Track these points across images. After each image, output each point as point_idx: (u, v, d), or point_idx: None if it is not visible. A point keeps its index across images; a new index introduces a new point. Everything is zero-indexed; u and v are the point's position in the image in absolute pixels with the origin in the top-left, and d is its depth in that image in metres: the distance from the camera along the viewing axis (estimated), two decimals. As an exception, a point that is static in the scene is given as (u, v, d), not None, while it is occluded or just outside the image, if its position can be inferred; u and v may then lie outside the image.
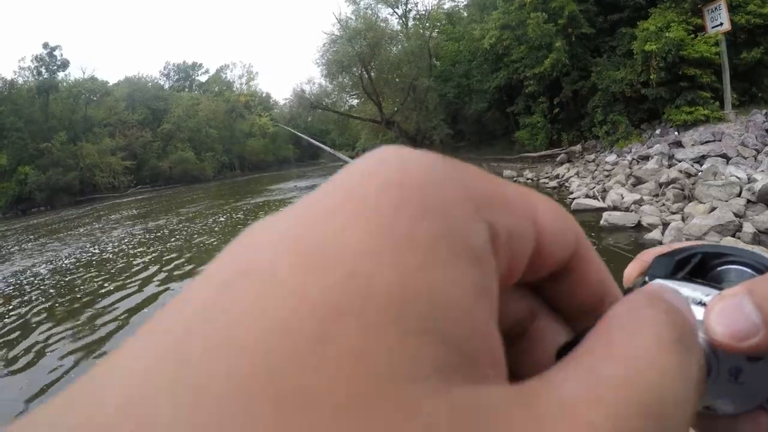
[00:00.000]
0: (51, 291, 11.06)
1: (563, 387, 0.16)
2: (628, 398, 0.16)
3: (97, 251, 15.67)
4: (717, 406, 0.32)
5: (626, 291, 0.39)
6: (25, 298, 10.75)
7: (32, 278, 13.03)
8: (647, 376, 0.17)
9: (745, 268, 0.37)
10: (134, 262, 12.67)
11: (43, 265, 14.66)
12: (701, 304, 0.29)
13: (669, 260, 0.37)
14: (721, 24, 14.68)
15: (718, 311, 0.28)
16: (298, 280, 0.15)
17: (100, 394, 0.14)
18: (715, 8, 14.78)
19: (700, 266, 0.37)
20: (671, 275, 0.35)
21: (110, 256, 14.45)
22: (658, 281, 0.33)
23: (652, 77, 16.09)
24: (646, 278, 0.37)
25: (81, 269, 13.11)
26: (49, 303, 9.85)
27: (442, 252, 0.16)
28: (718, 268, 0.37)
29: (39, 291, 11.34)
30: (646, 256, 0.41)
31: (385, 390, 0.13)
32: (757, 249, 0.36)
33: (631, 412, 0.16)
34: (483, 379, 0.15)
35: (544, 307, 0.27)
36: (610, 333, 0.19)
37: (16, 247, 20.49)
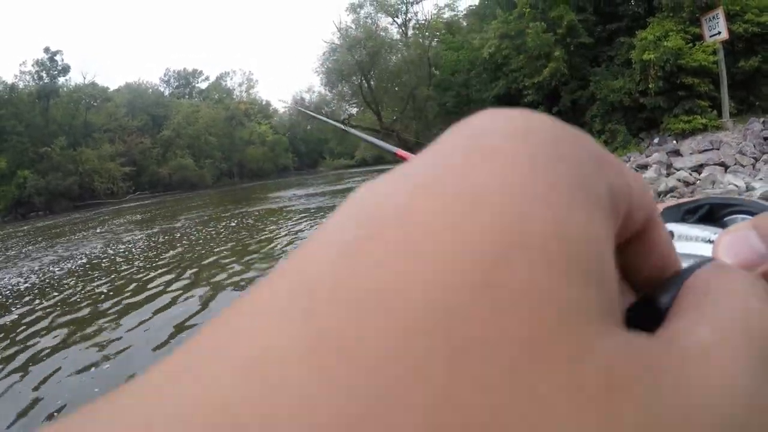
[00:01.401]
0: (66, 290, 11.05)
1: (695, 333, 0.16)
2: (753, 341, 0.16)
3: (107, 255, 15.64)
4: None
5: None
6: (39, 297, 10.75)
7: (47, 278, 13.09)
8: (762, 322, 0.17)
9: (750, 216, 0.36)
10: (148, 267, 12.61)
11: (54, 267, 14.68)
12: (710, 242, 0.31)
13: (677, 210, 0.38)
14: (719, 33, 14.74)
15: (725, 243, 0.28)
16: (452, 220, 0.14)
17: (234, 345, 0.13)
18: (713, 17, 14.84)
19: (709, 215, 0.38)
20: (681, 220, 0.36)
21: (120, 259, 14.40)
22: (670, 224, 0.34)
23: (650, 86, 16.14)
24: None
25: (91, 273, 13.09)
26: (65, 301, 9.86)
27: (582, 198, 0.16)
28: (726, 218, 0.37)
29: (54, 290, 11.37)
30: None
31: (561, 333, 0.13)
32: (761, 200, 0.36)
33: (759, 352, 0.16)
34: (621, 325, 0.15)
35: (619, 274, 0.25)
36: (707, 293, 0.19)
37: (26, 249, 20.56)
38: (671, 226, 0.31)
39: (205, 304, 8.57)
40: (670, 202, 0.38)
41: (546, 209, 0.15)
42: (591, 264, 0.15)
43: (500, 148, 0.16)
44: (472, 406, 0.11)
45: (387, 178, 0.18)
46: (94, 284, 11.47)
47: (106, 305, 9.42)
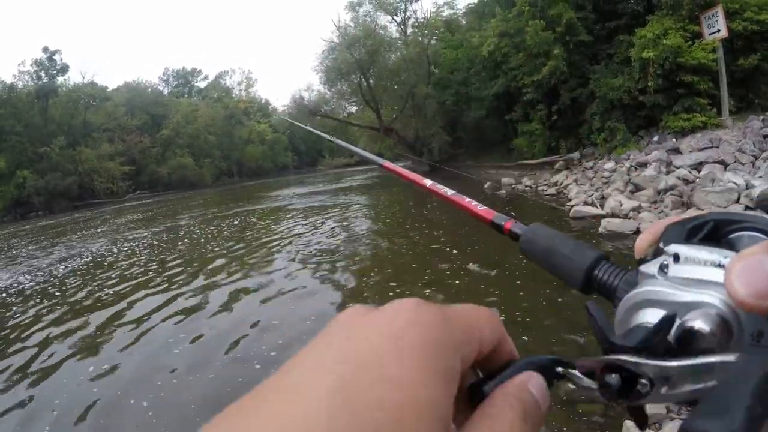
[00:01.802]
0: (73, 288, 11.11)
1: None
2: None
3: (112, 253, 15.77)
4: None
5: (639, 262, 0.41)
6: (47, 294, 10.80)
7: (53, 276, 13.19)
8: None
9: (758, 234, 0.37)
10: (155, 265, 12.65)
11: (61, 264, 14.76)
12: (720, 266, 0.32)
13: (681, 227, 0.38)
14: (718, 31, 14.73)
15: (738, 270, 0.29)
16: (346, 390, 0.24)
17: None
18: (712, 15, 14.83)
19: (713, 233, 0.38)
20: (685, 241, 0.36)
21: (126, 257, 14.50)
22: (674, 246, 0.34)
23: (649, 84, 16.13)
24: (661, 244, 0.38)
25: (96, 270, 13.15)
26: (74, 298, 9.89)
27: (445, 380, 0.26)
28: (731, 235, 0.37)
29: (61, 287, 11.47)
30: (657, 227, 0.42)
31: None
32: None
33: None
34: None
35: (472, 369, 0.36)
36: (489, 414, 0.31)
37: (31, 247, 20.66)
38: (676, 248, 0.32)
39: (212, 301, 8.64)
40: (674, 217, 0.39)
41: (414, 388, 0.25)
42: (445, 420, 0.25)
43: (404, 340, 0.27)
44: None
45: (344, 327, 0.29)
46: (102, 281, 11.61)
47: (114, 301, 9.50)
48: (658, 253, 0.39)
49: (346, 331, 0.29)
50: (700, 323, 0.31)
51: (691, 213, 0.40)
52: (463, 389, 0.33)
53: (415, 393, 0.24)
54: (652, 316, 0.34)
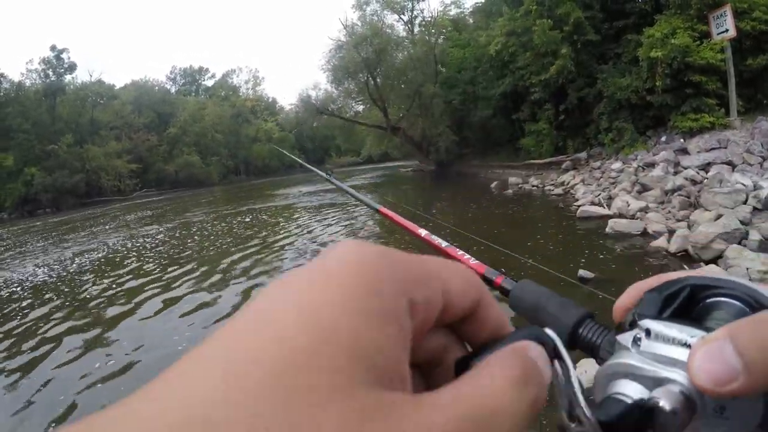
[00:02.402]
0: (88, 283, 11.25)
1: (427, 411, 0.23)
2: (463, 428, 0.23)
3: (125, 249, 15.98)
4: None
5: (617, 326, 0.43)
6: (64, 288, 10.90)
7: (69, 270, 13.39)
8: (483, 411, 0.24)
9: (734, 301, 0.38)
10: (168, 260, 12.75)
11: (76, 259, 14.91)
12: (687, 345, 0.33)
13: (657, 297, 0.38)
14: (727, 30, 14.66)
15: (700, 357, 0.30)
16: (290, 326, 0.23)
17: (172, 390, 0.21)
18: (721, 15, 14.75)
19: (690, 299, 0.39)
20: (659, 314, 0.37)
21: (140, 253, 14.64)
22: (647, 321, 0.36)
23: (657, 84, 16.06)
24: (636, 316, 0.39)
25: (111, 265, 13.31)
26: (90, 293, 9.96)
27: (377, 316, 0.25)
28: (707, 300, 0.39)
29: (77, 282, 11.65)
30: (635, 291, 0.43)
31: (311, 397, 0.21)
32: (745, 280, 0.37)
33: None
34: (390, 387, 0.23)
35: (458, 343, 0.35)
36: (478, 373, 0.27)
37: (43, 243, 20.87)
38: (648, 323, 0.33)
39: (225, 295, 8.73)
40: (652, 280, 0.40)
41: (349, 326, 0.23)
42: (363, 351, 0.23)
43: (340, 279, 0.26)
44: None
45: (278, 287, 0.26)
46: (116, 276, 11.74)
47: (130, 295, 9.63)
48: (633, 323, 0.39)
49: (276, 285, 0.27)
50: (663, 401, 0.32)
51: (669, 276, 0.41)
52: (447, 364, 0.33)
53: (329, 324, 0.23)
54: (625, 388, 0.35)
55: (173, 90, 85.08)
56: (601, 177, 15.97)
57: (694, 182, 11.36)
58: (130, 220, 26.89)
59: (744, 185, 9.86)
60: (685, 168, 12.54)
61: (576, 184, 16.55)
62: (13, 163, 48.16)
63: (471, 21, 37.37)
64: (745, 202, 9.14)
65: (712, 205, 9.36)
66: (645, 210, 10.77)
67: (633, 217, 10.56)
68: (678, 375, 0.33)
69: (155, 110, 68.87)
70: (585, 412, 0.30)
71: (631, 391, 0.34)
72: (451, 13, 39.28)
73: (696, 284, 0.39)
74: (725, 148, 12.98)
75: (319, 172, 2.33)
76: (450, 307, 0.31)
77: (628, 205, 11.22)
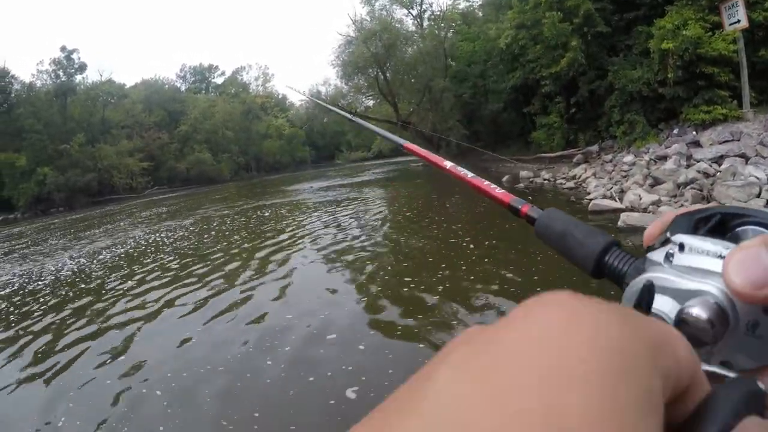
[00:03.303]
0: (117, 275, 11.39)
1: None
2: None
3: (148, 243, 16.24)
4: (735, 361, 0.33)
5: (647, 249, 0.43)
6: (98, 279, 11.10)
7: (94, 264, 13.54)
8: None
9: (761, 228, 0.39)
10: (193, 253, 12.87)
11: (103, 252, 15.07)
12: (721, 257, 0.33)
13: (689, 219, 0.39)
14: (739, 21, 14.51)
15: (736, 261, 0.30)
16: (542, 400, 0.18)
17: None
18: (732, 5, 14.60)
19: (720, 226, 0.40)
20: (692, 232, 0.38)
21: (161, 247, 14.88)
22: (680, 236, 0.36)
23: (669, 76, 15.94)
24: (668, 234, 0.39)
25: (142, 257, 13.52)
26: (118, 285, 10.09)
27: (642, 410, 0.19)
28: (737, 228, 0.39)
29: (105, 274, 11.78)
30: (667, 217, 0.44)
31: None
32: None
33: None
34: None
35: None
36: None
37: (64, 240, 21.14)
38: (682, 238, 0.34)
39: (253, 289, 8.72)
40: (683, 209, 0.41)
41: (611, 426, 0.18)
42: None
43: (588, 367, 0.20)
44: None
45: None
46: (146, 268, 11.89)
47: (163, 284, 9.72)
48: (665, 242, 0.39)
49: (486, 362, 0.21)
50: (698, 310, 0.32)
51: (698, 206, 0.42)
52: None
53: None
54: (656, 302, 0.35)
55: (183, 88, 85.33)
56: (612, 170, 15.89)
57: (706, 175, 11.30)
58: (146, 216, 27.22)
59: (758, 178, 9.81)
60: (698, 161, 12.47)
61: (587, 178, 16.46)
62: (26, 163, 48.55)
63: (480, 14, 37.26)
64: (758, 195, 9.09)
65: (725, 199, 9.32)
66: (657, 203, 10.72)
67: (645, 210, 10.51)
68: (712, 286, 0.33)
69: (166, 108, 69.13)
70: None
71: (662, 305, 0.34)
72: (460, 6, 39.27)
73: (726, 212, 0.40)
74: (738, 140, 12.89)
75: (343, 113, 2.28)
76: (677, 385, 0.24)
77: (641, 199, 11.16)
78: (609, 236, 0.49)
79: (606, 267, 0.47)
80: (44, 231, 27.48)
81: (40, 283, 12.16)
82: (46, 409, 5.23)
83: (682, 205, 10.31)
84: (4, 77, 50.32)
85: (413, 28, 40.30)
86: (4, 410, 5.45)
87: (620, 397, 0.19)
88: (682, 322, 0.32)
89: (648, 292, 0.35)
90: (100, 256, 14.83)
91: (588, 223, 0.54)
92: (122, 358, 6.34)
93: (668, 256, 0.37)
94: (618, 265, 0.46)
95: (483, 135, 33.05)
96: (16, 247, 21.44)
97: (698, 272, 0.34)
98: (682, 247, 0.36)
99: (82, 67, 58.20)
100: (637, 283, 0.38)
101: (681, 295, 0.34)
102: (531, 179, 19.63)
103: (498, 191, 0.75)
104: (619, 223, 9.73)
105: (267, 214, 19.90)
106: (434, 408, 0.19)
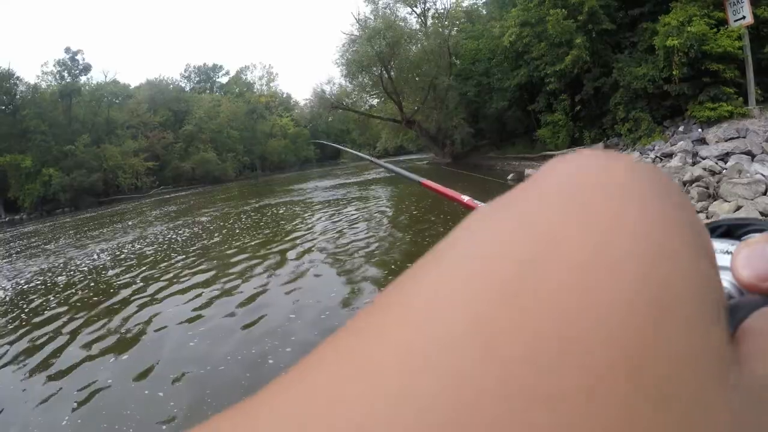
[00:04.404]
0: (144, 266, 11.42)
1: None
2: None
3: (165, 240, 16.42)
4: None
5: None
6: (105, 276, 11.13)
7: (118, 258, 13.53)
8: None
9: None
10: (207, 250, 12.94)
11: (130, 246, 15.13)
12: (728, 253, 0.35)
13: None
14: (744, 17, 14.49)
15: (743, 255, 0.31)
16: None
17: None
18: (737, 1, 14.59)
19: (726, 235, 0.42)
20: None
21: (174, 244, 15.05)
22: None
23: (674, 73, 15.91)
24: None
25: (167, 252, 13.67)
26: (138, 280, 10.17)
27: (709, 260, 0.19)
28: (743, 237, 0.41)
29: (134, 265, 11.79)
30: None
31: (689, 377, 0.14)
32: None
33: None
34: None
35: None
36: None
37: (76, 237, 21.42)
38: None
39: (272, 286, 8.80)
40: None
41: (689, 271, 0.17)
42: (714, 307, 0.17)
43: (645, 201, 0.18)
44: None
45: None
46: (169, 263, 12.19)
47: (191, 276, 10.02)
48: None
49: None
50: None
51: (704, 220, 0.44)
52: None
53: (689, 266, 0.17)
54: None
55: (188, 88, 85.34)
56: (618, 168, 15.83)
57: (712, 173, 11.26)
58: (156, 215, 27.35)
59: (764, 176, 9.78)
60: (704, 158, 12.43)
61: (593, 176, 16.39)
62: (31, 164, 48.64)
63: (484, 12, 37.19)
64: (764, 193, 9.06)
65: (731, 196, 9.28)
66: (663, 201, 10.66)
67: (651, 209, 10.46)
68: (722, 280, 0.33)
69: (170, 108, 69.17)
70: None
71: None
72: (464, 4, 39.14)
73: (732, 224, 0.42)
74: (744, 137, 12.85)
75: (365, 156, 2.31)
76: None
77: (646, 197, 11.10)
78: None
79: None
80: (56, 230, 27.60)
81: (61, 277, 12.40)
82: (48, 408, 5.28)
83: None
84: (9, 79, 50.30)
85: (417, 27, 40.26)
86: (11, 406, 5.52)
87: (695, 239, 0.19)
88: None
89: None
90: (124, 249, 15.26)
91: None
92: (125, 357, 6.37)
93: None
94: None
95: (488, 133, 33.05)
96: (34, 243, 21.81)
97: None
98: None
99: (87, 68, 58.26)
100: None
101: None
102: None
103: None
104: (625, 221, 9.71)
105: (273, 213, 19.91)
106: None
